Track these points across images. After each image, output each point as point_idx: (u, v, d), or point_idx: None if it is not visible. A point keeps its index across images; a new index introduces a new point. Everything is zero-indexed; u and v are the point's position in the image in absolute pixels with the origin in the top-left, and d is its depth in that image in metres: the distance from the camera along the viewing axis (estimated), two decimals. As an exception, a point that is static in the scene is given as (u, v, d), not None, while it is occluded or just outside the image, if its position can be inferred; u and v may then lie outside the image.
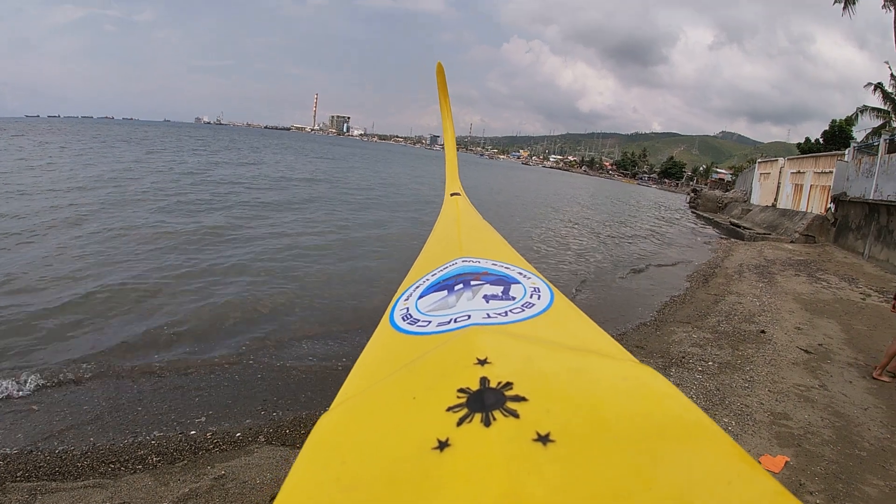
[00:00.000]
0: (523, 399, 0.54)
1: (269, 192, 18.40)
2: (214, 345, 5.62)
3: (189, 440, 3.90)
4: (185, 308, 6.47)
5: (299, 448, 0.60)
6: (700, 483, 0.45)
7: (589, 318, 0.89)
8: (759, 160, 32.65)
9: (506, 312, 0.85)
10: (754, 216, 26.03)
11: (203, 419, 4.23)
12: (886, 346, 5.72)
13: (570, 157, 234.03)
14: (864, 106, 26.41)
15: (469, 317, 0.83)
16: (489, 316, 0.83)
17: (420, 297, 1.01)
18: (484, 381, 0.57)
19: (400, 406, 0.61)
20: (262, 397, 4.66)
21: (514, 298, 0.92)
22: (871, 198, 15.13)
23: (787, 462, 3.69)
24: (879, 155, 15.63)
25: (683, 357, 5.83)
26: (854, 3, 22.18)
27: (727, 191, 41.67)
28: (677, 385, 4.84)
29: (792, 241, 18.53)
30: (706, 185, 61.86)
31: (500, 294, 0.94)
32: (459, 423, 0.51)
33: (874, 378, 5.45)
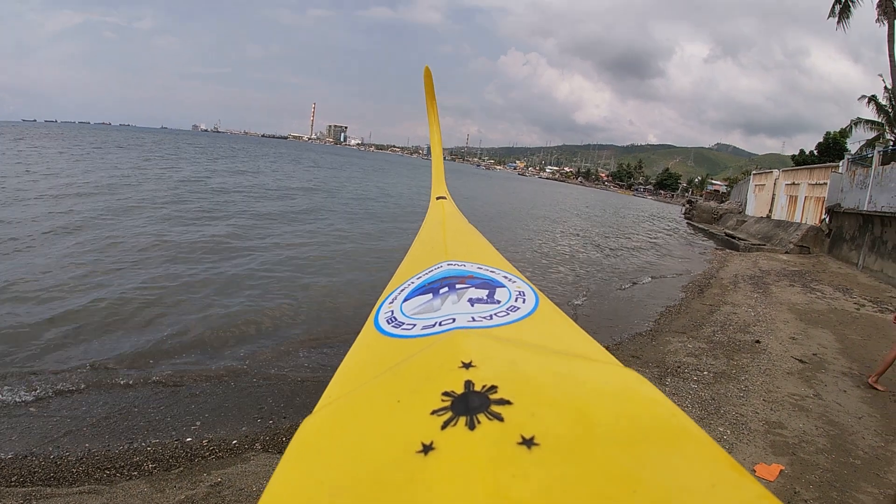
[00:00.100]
0: (508, 402, 0.53)
1: (268, 201, 18.39)
2: (211, 354, 5.61)
3: (185, 447, 3.88)
4: (181, 317, 6.46)
5: None
6: (684, 487, 0.45)
7: (573, 322, 0.89)
8: (754, 172, 32.84)
9: (490, 316, 0.85)
10: (749, 227, 26.16)
11: (199, 427, 4.22)
12: (883, 355, 5.75)
13: (567, 169, 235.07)
14: (859, 118, 26.62)
15: (454, 320, 0.82)
16: (474, 319, 0.83)
17: (405, 299, 1.00)
18: (468, 384, 0.57)
19: (384, 409, 0.60)
20: (259, 405, 4.65)
21: (498, 302, 0.92)
22: (865, 209, 15.24)
23: (782, 470, 3.71)
24: (873, 167, 15.78)
25: (679, 367, 5.84)
26: (848, 18, 22.50)
27: (722, 202, 41.86)
28: (673, 395, 4.88)
29: (787, 252, 18.61)
30: (701, 196, 62.14)
31: (485, 297, 0.94)
32: (444, 426, 0.51)
33: (869, 384, 5.48)
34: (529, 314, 0.88)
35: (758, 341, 6.97)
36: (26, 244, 9.00)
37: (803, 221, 21.40)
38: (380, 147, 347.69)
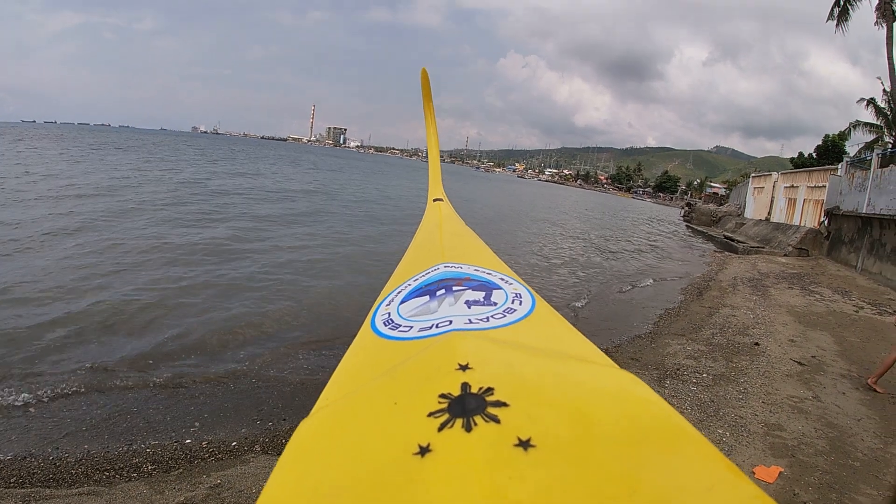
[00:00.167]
0: (504, 404, 0.53)
1: (267, 203, 18.38)
2: (210, 356, 5.60)
3: (184, 449, 3.88)
4: (181, 320, 6.45)
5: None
6: (681, 488, 0.45)
7: (570, 324, 0.89)
8: (753, 174, 32.90)
9: (487, 318, 0.85)
10: (748, 230, 26.19)
11: (198, 428, 4.22)
12: (883, 357, 5.76)
13: (566, 171, 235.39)
14: (857, 121, 26.65)
15: (451, 322, 0.83)
16: (471, 321, 0.83)
17: (402, 302, 1.00)
18: (465, 386, 0.57)
19: (381, 411, 0.60)
20: (258, 407, 4.65)
21: (495, 304, 0.92)
22: (863, 211, 15.27)
23: (781, 472, 3.71)
24: (872, 169, 15.81)
25: (678, 369, 5.85)
26: (847, 21, 22.55)
27: (721, 205, 41.99)
28: (672, 397, 4.88)
29: (785, 255, 18.64)
30: (700, 199, 62.32)
31: (482, 299, 0.94)
32: (441, 428, 0.51)
33: (868, 386, 5.49)
34: (526, 316, 0.88)
35: (757, 344, 6.97)
36: (26, 245, 9.00)
37: (802, 224, 21.43)
38: (379, 149, 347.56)
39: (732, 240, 23.35)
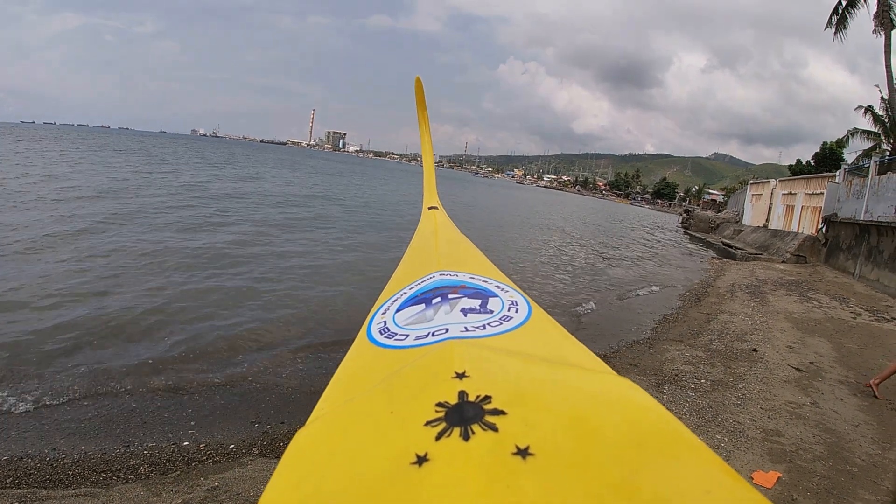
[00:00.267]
0: (502, 412, 0.53)
1: (267, 208, 18.36)
2: (209, 360, 5.58)
3: (182, 451, 3.87)
4: (180, 325, 6.41)
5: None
6: (680, 494, 0.45)
7: (566, 331, 0.88)
8: (751, 181, 33.01)
9: (484, 326, 0.85)
10: (746, 236, 26.25)
11: (196, 431, 4.21)
12: (882, 362, 5.78)
13: (564, 177, 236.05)
14: (855, 128, 26.79)
15: (447, 330, 0.82)
16: (467, 329, 0.82)
17: (397, 310, 1.00)
18: (462, 394, 0.56)
19: (378, 420, 0.60)
20: (256, 410, 4.64)
21: (491, 312, 0.91)
22: (861, 219, 15.33)
23: (779, 478, 3.71)
24: (870, 176, 15.88)
25: (676, 375, 5.85)
26: (845, 28, 22.66)
27: (719, 211, 42.04)
28: (670, 403, 4.88)
29: (783, 261, 18.67)
30: (698, 205, 62.38)
31: (478, 307, 0.93)
32: (438, 437, 0.50)
33: (868, 386, 5.52)
34: (522, 324, 0.88)
35: (755, 350, 6.98)
36: (26, 248, 8.97)
37: (800, 231, 21.49)
38: (378, 154, 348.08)
39: (730, 246, 23.39)
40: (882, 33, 20.79)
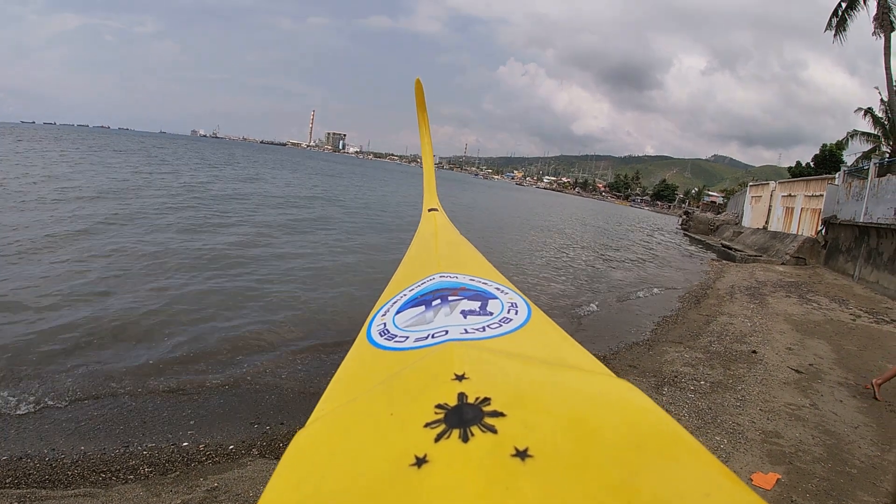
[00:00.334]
0: (501, 414, 0.53)
1: (267, 209, 18.32)
2: (208, 361, 5.57)
3: (182, 451, 3.87)
4: (180, 326, 6.39)
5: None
6: (679, 496, 0.45)
7: (566, 333, 0.89)
8: (751, 183, 33.07)
9: (483, 328, 0.85)
10: (745, 238, 26.26)
11: (196, 431, 4.20)
12: (882, 364, 5.78)
13: (564, 179, 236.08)
14: (855, 131, 26.84)
15: (446, 332, 0.82)
16: (466, 331, 0.83)
17: (397, 312, 1.00)
18: (462, 396, 0.57)
19: (377, 422, 0.60)
20: (256, 411, 4.64)
21: (491, 314, 0.92)
22: (861, 220, 15.35)
23: (778, 479, 3.71)
24: (869, 178, 15.91)
25: (676, 376, 5.85)
26: (845, 31, 22.69)
27: (719, 213, 42.11)
28: (670, 404, 4.89)
29: (783, 263, 18.69)
30: (698, 207, 62.50)
31: (478, 309, 0.93)
32: (437, 438, 0.51)
33: (872, 384, 5.52)
34: (522, 326, 0.88)
35: (754, 351, 6.98)
36: (26, 248, 8.96)
37: (799, 233, 21.50)
38: (378, 155, 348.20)
39: (730, 248, 23.41)
40: (882, 35, 20.82)
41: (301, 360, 5.85)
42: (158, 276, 8.35)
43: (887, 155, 22.69)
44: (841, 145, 29.76)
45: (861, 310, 10.73)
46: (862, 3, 21.46)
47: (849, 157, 28.09)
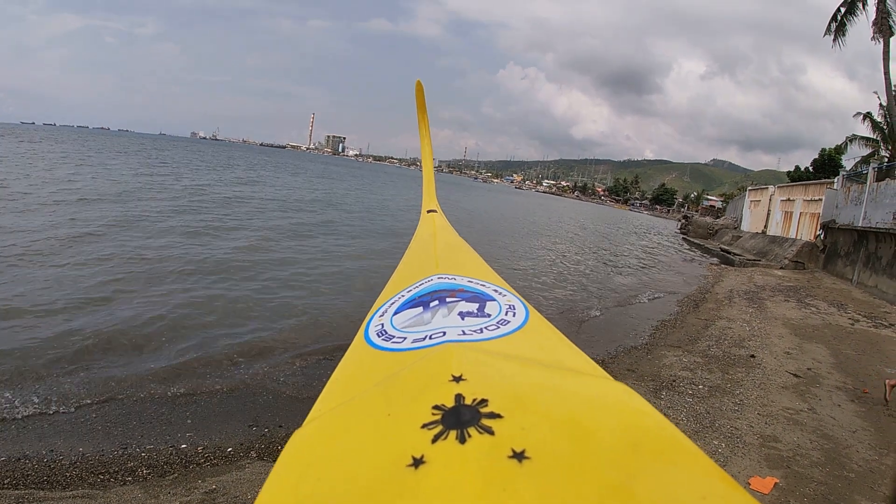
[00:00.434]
0: (498, 416, 0.53)
1: (268, 213, 18.26)
2: (207, 364, 5.56)
3: (180, 454, 3.87)
4: (179, 331, 6.38)
5: None
6: (676, 499, 0.45)
7: (563, 335, 0.89)
8: (750, 188, 33.15)
9: (481, 329, 0.85)
10: (744, 242, 26.29)
11: (194, 434, 4.21)
12: (879, 368, 5.79)
13: (563, 183, 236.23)
14: (854, 135, 26.90)
15: (444, 333, 0.82)
16: (464, 333, 0.83)
17: (395, 313, 1.00)
18: (459, 397, 0.57)
19: (374, 422, 0.60)
20: (254, 414, 4.64)
21: (489, 315, 0.92)
22: (859, 225, 15.36)
23: (776, 483, 3.71)
24: (868, 183, 15.94)
25: (674, 380, 5.86)
26: (844, 35, 22.76)
27: (718, 217, 42.16)
28: (668, 408, 4.89)
29: (782, 268, 18.71)
30: (697, 211, 62.55)
31: (476, 311, 0.93)
32: (434, 439, 0.51)
33: (865, 392, 5.56)
34: (520, 328, 0.88)
35: (753, 356, 6.99)
36: (28, 251, 8.95)
37: (798, 237, 21.54)
38: (378, 158, 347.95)
39: (729, 252, 23.44)
40: (881, 40, 20.89)
41: (299, 363, 5.84)
42: (159, 280, 8.33)
43: (886, 159, 22.75)
44: (840, 150, 29.79)
45: (859, 314, 10.74)
46: (861, 7, 21.55)
47: (848, 162, 28.18)
